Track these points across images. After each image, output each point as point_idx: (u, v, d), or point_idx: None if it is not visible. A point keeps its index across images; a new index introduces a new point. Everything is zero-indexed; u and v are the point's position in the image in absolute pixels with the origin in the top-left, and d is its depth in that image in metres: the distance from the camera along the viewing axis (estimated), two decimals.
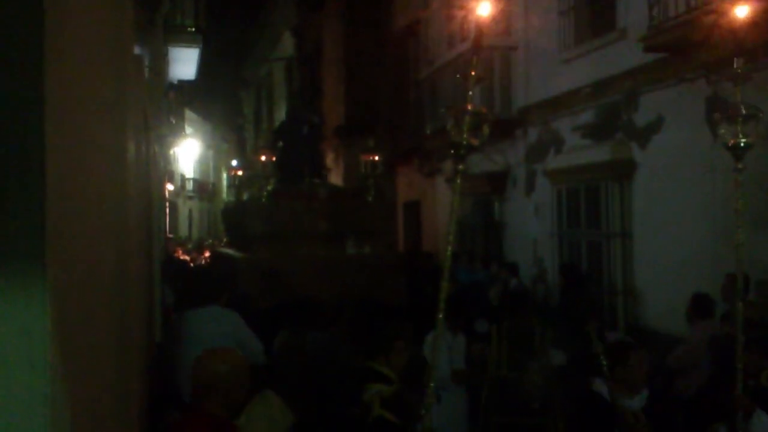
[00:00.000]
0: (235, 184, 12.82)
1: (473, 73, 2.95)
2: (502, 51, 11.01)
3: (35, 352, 0.93)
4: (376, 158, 9.90)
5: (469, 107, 2.96)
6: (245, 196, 11.54)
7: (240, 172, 12.56)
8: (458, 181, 3.08)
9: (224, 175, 41.96)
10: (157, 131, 6.82)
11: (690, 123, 7.31)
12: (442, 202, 13.50)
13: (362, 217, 9.52)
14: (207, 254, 16.69)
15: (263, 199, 9.31)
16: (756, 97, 6.42)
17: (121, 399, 2.14)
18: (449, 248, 3.17)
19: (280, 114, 23.53)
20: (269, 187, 9.42)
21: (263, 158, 9.59)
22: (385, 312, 5.90)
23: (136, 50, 3.86)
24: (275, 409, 4.33)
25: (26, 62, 0.90)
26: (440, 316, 2.92)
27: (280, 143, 10.52)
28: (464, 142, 2.96)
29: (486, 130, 3.04)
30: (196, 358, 2.89)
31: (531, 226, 10.62)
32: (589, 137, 9.19)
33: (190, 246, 21.25)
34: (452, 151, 3.01)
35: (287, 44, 23.41)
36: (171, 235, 21.29)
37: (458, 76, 3.14)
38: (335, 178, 15.06)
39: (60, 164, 1.01)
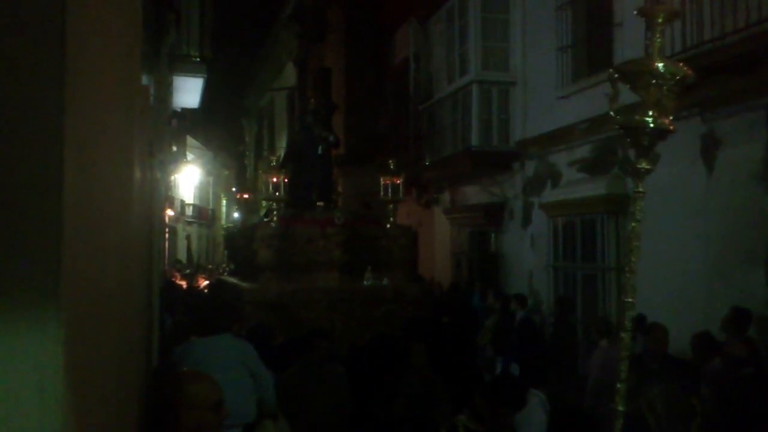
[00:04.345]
0: (241, 209, 12.09)
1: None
2: (500, 86, 11.19)
3: (47, 388, 0.91)
4: (398, 181, 9.29)
5: (661, 64, 1.94)
6: (252, 221, 10.90)
7: (246, 196, 11.85)
8: (640, 188, 2.11)
9: (224, 202, 42.07)
10: (159, 158, 6.90)
11: (685, 160, 7.42)
12: (439, 232, 13.57)
13: (381, 245, 8.84)
14: (203, 281, 16.50)
15: (273, 224, 8.64)
16: (747, 136, 6.56)
17: (123, 428, 2.14)
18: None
19: (281, 142, 23.69)
20: (279, 212, 8.77)
21: (274, 180, 8.83)
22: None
23: (143, 80, 3.96)
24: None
25: (48, 101, 0.94)
26: None
27: (288, 165, 9.89)
28: (651, 125, 1.96)
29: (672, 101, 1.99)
30: (169, 379, 2.70)
31: (527, 258, 10.68)
32: (585, 172, 9.30)
33: (188, 271, 21.22)
34: (629, 140, 2.06)
35: (289, 75, 23.66)
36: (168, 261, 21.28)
37: (635, 12, 2.08)
38: None
39: (76, 198, 1.01)
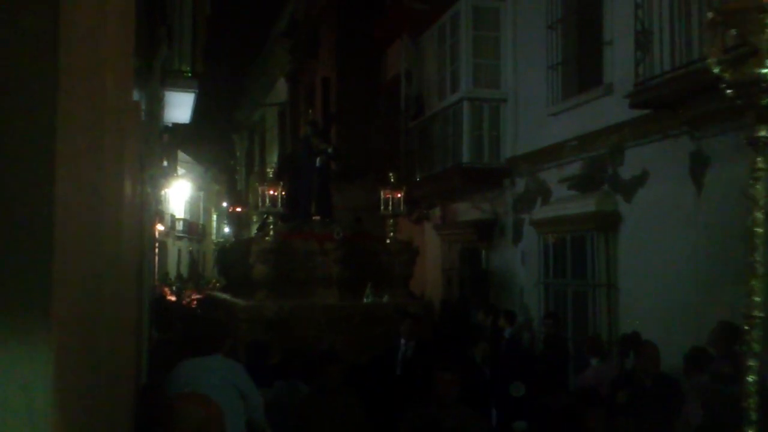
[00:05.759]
0: (232, 223, 11.92)
1: None
2: (491, 103, 11.25)
3: (36, 407, 0.90)
4: (398, 195, 9.08)
5: None
6: (245, 235, 10.68)
7: (239, 209, 11.70)
8: (760, 164, 1.65)
9: (214, 216, 41.98)
10: (150, 172, 6.87)
11: (674, 177, 7.46)
12: (430, 249, 13.56)
13: (381, 261, 8.57)
14: (194, 297, 16.41)
15: (268, 239, 8.34)
16: (736, 155, 6.60)
17: None
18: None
19: (272, 157, 23.68)
20: (276, 226, 8.47)
21: (271, 192, 8.55)
22: None
23: (135, 95, 3.96)
24: None
25: (40, 117, 0.94)
26: None
27: (284, 177, 9.60)
28: None
29: None
30: (170, 403, 2.68)
31: (517, 274, 10.68)
32: (575, 189, 9.33)
33: (178, 286, 21.12)
34: (740, 101, 1.61)
35: (281, 90, 23.70)
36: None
37: None
38: None
39: (67, 214, 1.01)
